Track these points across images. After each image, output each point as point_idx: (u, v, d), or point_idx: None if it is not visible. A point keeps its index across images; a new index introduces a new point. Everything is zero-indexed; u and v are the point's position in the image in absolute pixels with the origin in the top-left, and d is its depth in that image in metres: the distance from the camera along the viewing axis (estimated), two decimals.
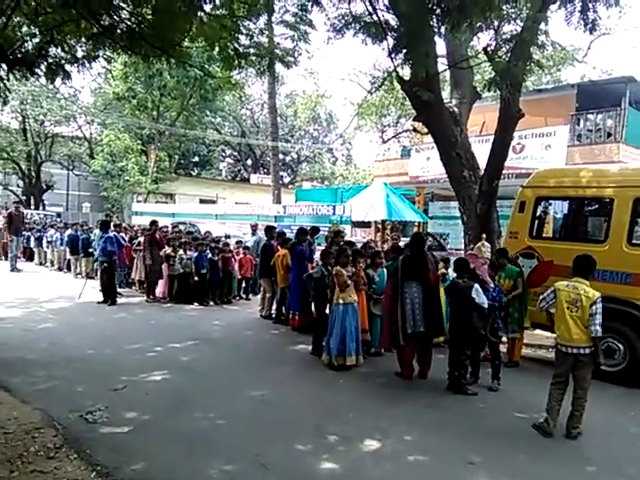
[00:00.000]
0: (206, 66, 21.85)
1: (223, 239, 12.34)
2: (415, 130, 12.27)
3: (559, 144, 14.39)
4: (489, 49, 7.04)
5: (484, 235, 7.22)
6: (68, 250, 14.15)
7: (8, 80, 7.50)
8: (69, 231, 14.49)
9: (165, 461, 3.89)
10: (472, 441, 4.39)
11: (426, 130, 11.18)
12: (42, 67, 7.31)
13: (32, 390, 5.22)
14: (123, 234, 12.07)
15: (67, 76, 7.62)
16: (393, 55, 6.22)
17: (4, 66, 7.32)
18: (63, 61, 7.43)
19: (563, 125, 14.78)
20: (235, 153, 44.42)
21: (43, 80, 25.07)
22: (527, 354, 7.54)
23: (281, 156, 35.26)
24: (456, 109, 10.35)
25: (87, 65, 8.05)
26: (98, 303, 9.99)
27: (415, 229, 15.71)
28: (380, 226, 16.01)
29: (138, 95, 25.23)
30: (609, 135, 15.94)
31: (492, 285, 5.87)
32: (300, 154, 44.30)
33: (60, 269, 15.13)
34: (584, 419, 4.56)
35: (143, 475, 3.66)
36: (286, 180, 42.96)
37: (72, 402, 4.91)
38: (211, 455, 3.99)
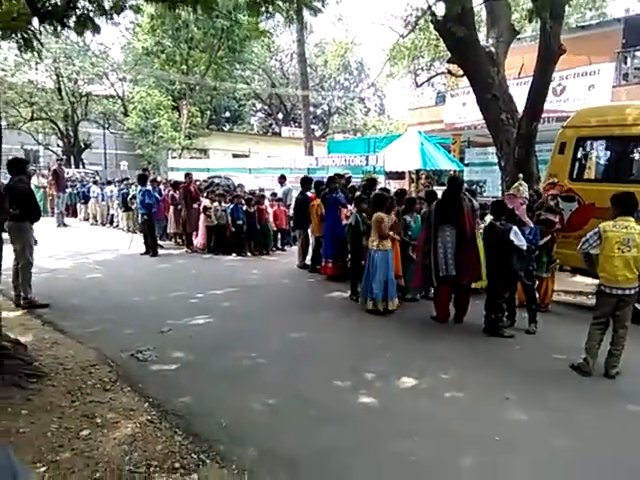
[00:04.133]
0: (233, 15, 21.43)
1: (257, 192, 12.44)
2: (450, 72, 11.81)
3: (604, 84, 13.58)
4: None
5: (521, 175, 7.04)
6: (116, 205, 14.55)
7: (40, 34, 7.60)
8: (110, 187, 14.90)
9: (211, 395, 4.12)
10: (508, 380, 4.45)
11: (461, 72, 10.78)
12: (72, 20, 7.35)
13: (85, 332, 5.55)
14: (162, 187, 12.26)
15: (96, 29, 7.63)
16: None
17: (36, 20, 7.43)
18: (91, 13, 7.44)
19: (608, 63, 13.88)
20: (266, 107, 43.99)
21: (74, 37, 25.06)
22: (565, 300, 7.46)
23: (312, 108, 34.66)
24: (493, 49, 9.90)
25: (115, 16, 8.05)
26: (141, 254, 10.38)
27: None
28: (414, 176, 15.74)
29: (166, 49, 25.06)
30: None
31: (531, 226, 5.76)
32: (331, 106, 43.48)
33: (103, 224, 15.65)
34: (622, 359, 4.54)
35: (191, 407, 3.90)
36: (317, 133, 42.42)
37: (123, 343, 5.20)
38: (253, 390, 4.20)
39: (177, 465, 3.15)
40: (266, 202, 11.28)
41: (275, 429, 3.60)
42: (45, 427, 3.55)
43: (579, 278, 8.51)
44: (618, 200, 4.48)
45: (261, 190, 13.37)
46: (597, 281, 4.79)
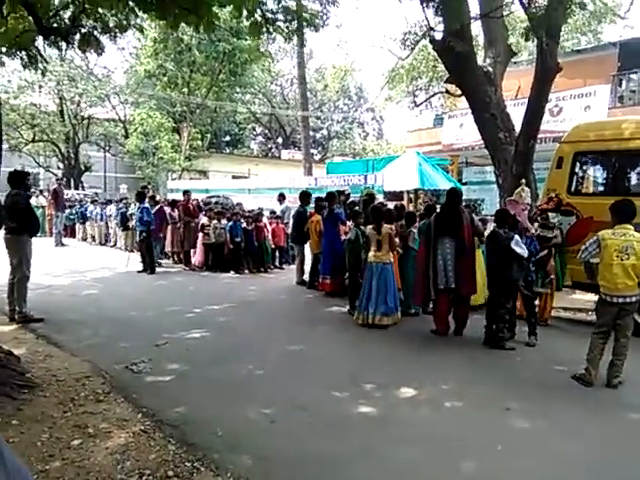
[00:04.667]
0: (234, 39, 21.85)
1: (256, 210, 12.45)
2: (448, 92, 11.96)
3: (599, 105, 13.78)
4: None
5: (523, 180, 7.06)
6: (115, 224, 14.56)
7: (45, 51, 7.73)
8: (110, 206, 14.94)
9: (206, 405, 4.03)
10: (509, 390, 4.38)
11: (459, 92, 10.91)
12: (76, 37, 7.48)
13: (80, 346, 5.47)
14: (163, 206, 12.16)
15: (100, 47, 7.77)
16: (425, 5, 6.05)
17: (40, 39, 7.56)
18: (96, 31, 7.57)
19: (604, 84, 14.10)
20: (266, 131, 44.47)
21: (78, 60, 25.41)
22: (565, 316, 7.40)
23: (311, 133, 35.01)
24: (490, 68, 10.03)
25: (119, 37, 8.20)
26: (138, 272, 10.33)
27: None
28: (413, 196, 15.80)
29: (168, 72, 25.46)
30: None
31: (533, 231, 5.75)
32: (330, 130, 43.97)
33: (102, 243, 15.63)
34: (624, 369, 4.47)
35: (186, 417, 3.81)
36: (317, 157, 42.77)
37: (117, 356, 5.13)
38: (250, 400, 4.12)
39: (170, 473, 3.06)
40: (264, 220, 11.29)
41: (272, 437, 3.51)
42: (35, 437, 3.47)
43: (579, 295, 8.47)
44: (616, 208, 4.48)
45: (260, 209, 13.43)
46: (597, 297, 4.76)
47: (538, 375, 4.80)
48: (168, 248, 11.79)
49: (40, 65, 8.42)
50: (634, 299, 4.30)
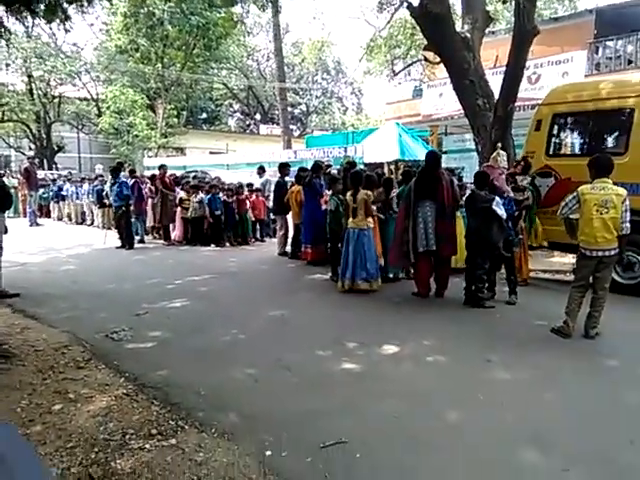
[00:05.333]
0: (208, 13, 21.27)
1: (234, 184, 12.26)
2: (427, 60, 11.87)
3: (576, 71, 13.83)
4: None
5: (499, 144, 7.07)
6: (90, 202, 14.24)
7: (8, 20, 7.36)
8: (85, 185, 14.58)
9: (189, 368, 4.00)
10: (490, 344, 4.44)
11: (438, 59, 10.82)
12: (41, 7, 7.14)
13: (58, 318, 5.37)
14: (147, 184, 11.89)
15: (66, 17, 7.45)
16: None
17: (2, 9, 7.19)
18: (62, 0, 7.24)
19: (581, 50, 14.14)
20: (244, 107, 43.72)
21: (45, 37, 24.44)
22: (544, 277, 7.52)
23: (290, 108, 34.52)
24: (468, 34, 9.94)
25: (86, 4, 7.87)
26: (116, 248, 10.16)
27: None
28: (393, 167, 15.76)
29: (141, 48, 24.67)
30: (629, 62, 15.24)
31: (511, 195, 5.78)
32: (309, 105, 43.44)
33: (78, 222, 15.29)
34: (602, 322, 4.56)
35: (169, 379, 3.77)
36: (296, 134, 42.31)
37: (97, 326, 5.05)
38: (234, 363, 4.10)
39: (154, 432, 3.03)
40: (245, 192, 11.15)
41: (256, 396, 3.51)
42: (14, 403, 3.41)
43: (557, 258, 8.62)
44: (596, 162, 4.51)
45: (239, 183, 13.25)
46: (575, 259, 4.81)
47: (518, 329, 4.88)
48: (150, 223, 11.60)
49: (4, 39, 8.05)
50: (612, 252, 4.36)
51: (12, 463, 0.83)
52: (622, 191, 4.33)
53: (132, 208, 10.42)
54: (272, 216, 11.22)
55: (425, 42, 10.67)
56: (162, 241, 11.05)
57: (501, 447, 2.81)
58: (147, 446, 2.86)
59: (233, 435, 2.96)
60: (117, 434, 3.01)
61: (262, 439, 2.90)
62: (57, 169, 29.97)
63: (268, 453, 2.76)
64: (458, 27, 10.95)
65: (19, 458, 0.85)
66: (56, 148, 30.34)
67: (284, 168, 9.73)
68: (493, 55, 16.25)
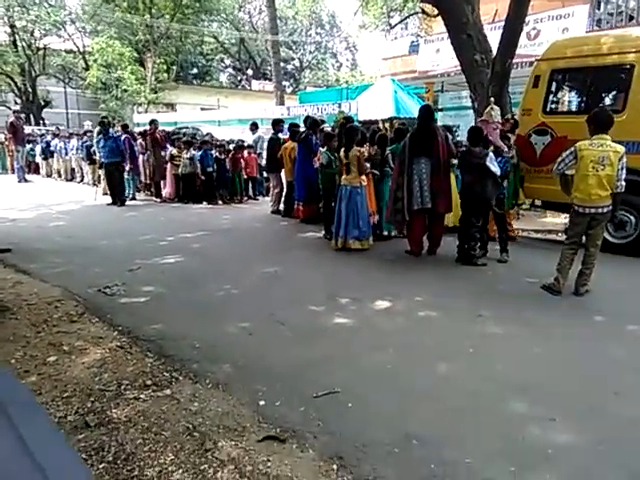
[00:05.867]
0: None
1: (235, 141, 11.98)
2: (424, 12, 11.51)
3: (577, 27, 13.48)
4: None
5: (492, 99, 6.94)
6: (80, 158, 13.94)
7: None
8: (74, 141, 14.24)
9: (184, 322, 4.02)
10: (482, 300, 4.48)
11: (436, 12, 10.49)
12: None
13: (50, 273, 5.35)
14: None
15: None
16: None
17: None
18: None
19: (582, 5, 13.75)
20: (235, 62, 42.51)
21: None
22: (536, 237, 7.55)
23: (283, 64, 33.53)
24: None
25: None
26: (107, 205, 10.05)
27: None
28: (388, 125, 15.52)
29: None
30: (631, 18, 14.84)
31: (505, 150, 5.72)
32: (303, 60, 42.33)
33: (68, 179, 15.05)
34: (592, 280, 4.61)
35: (163, 332, 3.80)
36: (289, 90, 41.35)
37: (89, 281, 5.03)
38: (227, 317, 4.13)
39: (149, 382, 3.07)
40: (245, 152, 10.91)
41: (250, 348, 3.54)
42: (9, 355, 3.42)
43: (549, 218, 8.64)
44: (594, 118, 4.44)
45: (231, 141, 12.99)
46: (566, 220, 4.79)
47: (509, 286, 4.93)
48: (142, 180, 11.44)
49: None
50: (605, 210, 4.36)
51: (11, 408, 0.81)
52: (620, 148, 4.29)
53: (126, 164, 10.25)
54: (265, 174, 11.09)
55: None
56: (154, 198, 10.93)
57: (490, 397, 2.87)
58: (142, 396, 2.90)
59: (227, 386, 3.00)
60: (112, 385, 3.04)
61: (256, 389, 2.94)
62: (45, 125, 29.27)
63: (262, 403, 2.81)
64: None
65: (18, 403, 0.83)
66: (43, 103, 29.51)
67: (278, 124, 9.54)
68: (492, 9, 15.77)
